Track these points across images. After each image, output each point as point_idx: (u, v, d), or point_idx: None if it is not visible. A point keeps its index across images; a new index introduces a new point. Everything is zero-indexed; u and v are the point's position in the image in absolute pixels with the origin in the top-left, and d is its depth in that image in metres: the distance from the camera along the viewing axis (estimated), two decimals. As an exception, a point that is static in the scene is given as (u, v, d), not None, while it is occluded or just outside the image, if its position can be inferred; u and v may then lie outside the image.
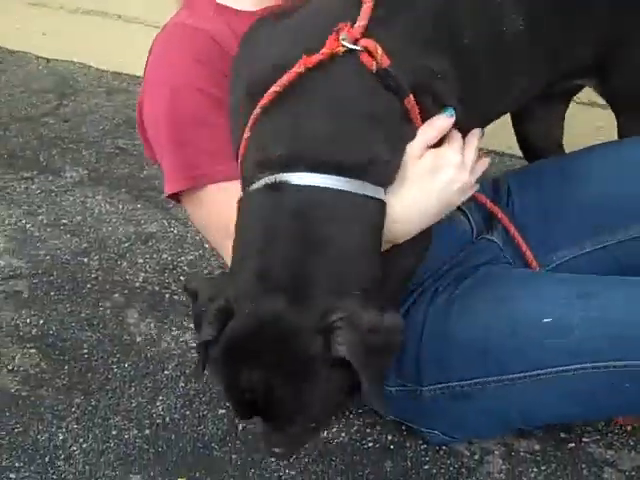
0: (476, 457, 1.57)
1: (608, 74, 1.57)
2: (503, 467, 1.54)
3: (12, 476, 1.56)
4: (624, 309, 1.36)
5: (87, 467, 1.58)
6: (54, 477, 1.56)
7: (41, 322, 1.98)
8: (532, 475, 1.51)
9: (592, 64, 1.54)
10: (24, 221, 2.40)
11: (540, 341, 1.38)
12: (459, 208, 1.51)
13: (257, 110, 1.21)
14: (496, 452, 1.57)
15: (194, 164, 1.41)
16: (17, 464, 1.58)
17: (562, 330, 1.37)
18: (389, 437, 1.63)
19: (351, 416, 1.68)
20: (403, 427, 1.64)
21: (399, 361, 1.47)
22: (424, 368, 1.48)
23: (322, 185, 1.15)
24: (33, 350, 1.89)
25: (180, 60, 1.41)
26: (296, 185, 1.16)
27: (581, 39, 1.48)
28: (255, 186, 1.19)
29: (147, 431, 1.66)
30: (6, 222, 2.40)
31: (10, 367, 1.84)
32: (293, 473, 1.56)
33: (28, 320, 1.99)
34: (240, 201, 1.23)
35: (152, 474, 1.56)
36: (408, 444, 1.60)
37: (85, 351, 1.88)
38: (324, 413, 1.20)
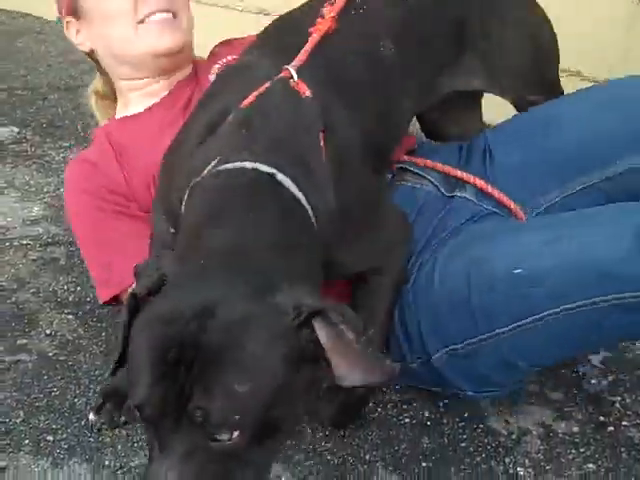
0: (514, 437, 1.55)
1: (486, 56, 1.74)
2: (541, 447, 1.52)
3: (49, 438, 1.57)
4: (589, 249, 1.37)
5: (124, 431, 1.58)
6: (90, 440, 1.56)
7: (78, 289, 1.99)
8: (570, 457, 1.50)
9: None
10: (62, 189, 2.39)
11: (518, 292, 1.41)
12: (419, 174, 1.72)
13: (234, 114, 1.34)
14: (534, 432, 1.56)
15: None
16: (54, 426, 1.59)
17: (535, 279, 1.40)
18: (426, 414, 1.62)
19: (387, 391, 1.67)
20: (440, 404, 1.64)
21: (408, 337, 1.54)
22: (426, 339, 1.53)
23: (284, 183, 1.25)
24: (71, 316, 1.90)
25: (75, 189, 1.78)
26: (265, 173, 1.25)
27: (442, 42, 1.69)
28: (224, 167, 1.26)
29: (183, 399, 1.66)
30: (45, 190, 2.42)
31: (48, 332, 1.85)
32: (329, 445, 1.55)
33: (66, 287, 2.00)
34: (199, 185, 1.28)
35: (188, 441, 1.56)
36: (445, 421, 1.60)
37: (122, 319, 1.88)
38: (263, 406, 1.02)
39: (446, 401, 1.64)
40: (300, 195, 1.26)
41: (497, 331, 1.44)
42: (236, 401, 1.00)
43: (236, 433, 1.01)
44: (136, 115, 1.84)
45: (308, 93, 1.37)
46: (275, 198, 1.23)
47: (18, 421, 1.60)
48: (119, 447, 1.55)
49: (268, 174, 1.24)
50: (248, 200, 1.22)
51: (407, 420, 1.61)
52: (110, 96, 1.95)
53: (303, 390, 1.09)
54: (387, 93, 1.58)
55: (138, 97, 1.86)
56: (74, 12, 1.82)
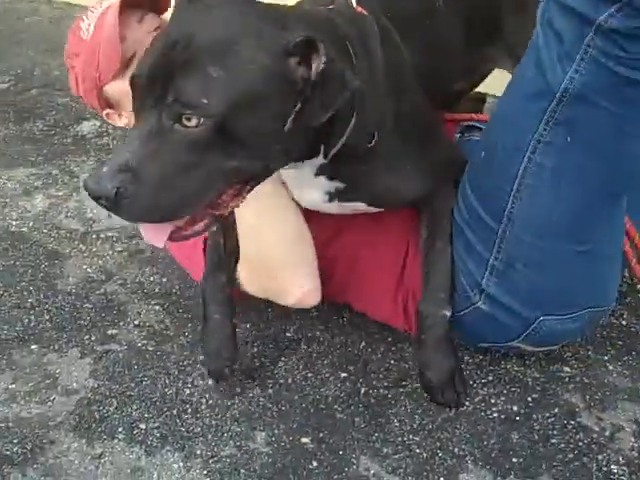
0: (606, 433, 1.53)
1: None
2: (635, 445, 1.50)
3: (142, 426, 1.60)
4: (514, 91, 1.50)
5: (213, 422, 1.60)
6: (182, 429, 1.59)
7: (164, 280, 2.02)
8: (666, 455, 1.47)
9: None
10: (145, 182, 2.45)
11: (493, 167, 1.52)
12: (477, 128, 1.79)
13: None
14: (627, 429, 1.53)
15: None
16: (146, 415, 1.62)
17: (491, 146, 1.53)
18: (514, 408, 1.61)
19: (474, 385, 1.66)
20: (529, 399, 1.62)
21: (463, 273, 1.60)
22: (471, 268, 1.58)
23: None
24: (157, 307, 1.93)
25: None
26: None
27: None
28: None
29: (270, 390, 1.68)
30: (127, 183, 2.46)
31: (136, 322, 1.88)
32: (417, 439, 1.55)
33: (151, 278, 2.03)
34: None
35: (277, 432, 1.58)
36: (535, 416, 1.58)
37: (208, 310, 1.90)
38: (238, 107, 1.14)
39: (535, 396, 1.63)
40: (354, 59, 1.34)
41: (505, 216, 1.49)
42: (208, 85, 1.12)
43: (202, 120, 1.12)
44: None
45: (363, 11, 1.45)
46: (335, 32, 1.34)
47: (111, 409, 1.63)
48: (209, 436, 1.57)
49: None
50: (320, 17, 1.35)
51: (495, 415, 1.60)
52: None
53: (277, 116, 1.19)
54: (439, 38, 1.67)
55: None
56: (108, 105, 1.93)
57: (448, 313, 1.59)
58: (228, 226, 1.64)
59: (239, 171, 1.21)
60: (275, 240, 1.61)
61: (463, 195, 1.59)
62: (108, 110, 1.94)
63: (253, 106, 1.15)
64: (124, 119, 1.96)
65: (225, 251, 1.66)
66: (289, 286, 1.63)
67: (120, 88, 1.85)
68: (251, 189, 1.29)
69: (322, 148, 1.36)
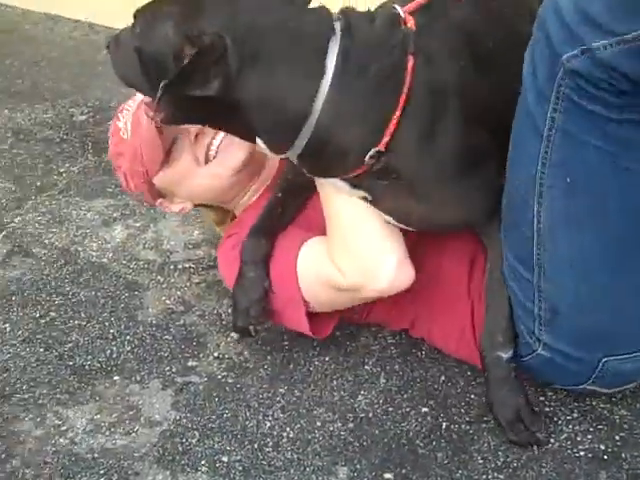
0: (700, 475, 1.49)
1: None
2: None
3: (224, 459, 1.61)
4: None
5: (295, 455, 1.61)
6: (263, 462, 1.59)
7: (242, 312, 2.03)
8: None
9: None
10: (220, 214, 2.48)
11: (513, 219, 1.48)
12: None
13: None
14: None
15: None
16: (228, 448, 1.63)
17: (508, 202, 1.49)
18: (601, 447, 1.57)
19: (559, 422, 1.63)
20: (617, 437, 1.59)
21: (518, 319, 1.56)
22: (525, 322, 1.54)
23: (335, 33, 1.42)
24: (236, 339, 1.94)
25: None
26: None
27: None
28: None
29: (351, 424, 1.67)
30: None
31: (216, 354, 1.90)
32: (502, 477, 1.53)
33: (229, 310, 2.03)
34: None
35: (359, 467, 1.57)
36: (624, 456, 1.55)
37: (286, 343, 1.91)
38: None
39: (623, 434, 1.59)
40: (332, 58, 1.37)
41: (535, 264, 1.45)
42: (140, 22, 1.45)
43: None
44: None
45: (411, 25, 1.41)
46: (314, 29, 1.40)
47: (194, 441, 1.65)
48: (292, 470, 1.57)
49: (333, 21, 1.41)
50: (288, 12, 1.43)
51: (582, 453, 1.56)
52: (225, 219, 2.11)
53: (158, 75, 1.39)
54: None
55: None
56: (160, 194, 1.99)
57: (505, 355, 1.57)
58: (289, 194, 1.78)
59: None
60: (364, 215, 1.58)
61: (500, 246, 1.55)
62: (161, 199, 2.01)
63: (146, 54, 1.43)
64: (178, 205, 2.01)
65: (277, 217, 1.79)
66: (381, 256, 1.59)
67: (169, 177, 1.93)
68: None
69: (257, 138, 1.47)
